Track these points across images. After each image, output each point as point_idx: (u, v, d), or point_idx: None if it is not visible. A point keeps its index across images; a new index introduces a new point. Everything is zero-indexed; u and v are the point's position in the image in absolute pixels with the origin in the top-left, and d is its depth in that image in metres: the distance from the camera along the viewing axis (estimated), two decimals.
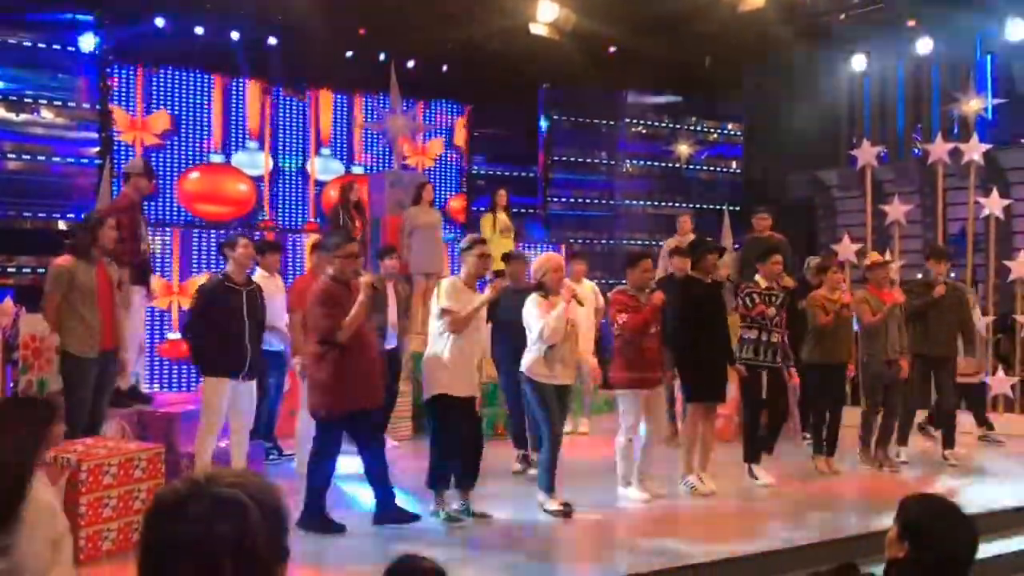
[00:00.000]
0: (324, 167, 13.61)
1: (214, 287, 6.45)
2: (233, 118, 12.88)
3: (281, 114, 13.29)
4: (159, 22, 12.07)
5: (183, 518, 1.45)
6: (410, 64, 13.42)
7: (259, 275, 8.02)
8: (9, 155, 11.55)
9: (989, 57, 14.66)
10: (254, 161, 12.94)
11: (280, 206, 13.15)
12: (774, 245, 8.33)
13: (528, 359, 6.35)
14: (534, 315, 6.27)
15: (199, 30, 12.36)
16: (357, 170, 13.82)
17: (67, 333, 6.19)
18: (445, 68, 14.18)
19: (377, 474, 5.94)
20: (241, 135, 13.02)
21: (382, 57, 13.28)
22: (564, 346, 6.29)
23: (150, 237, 7.87)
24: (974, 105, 11.29)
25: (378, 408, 6.13)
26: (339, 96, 13.79)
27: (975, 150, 10.33)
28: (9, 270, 11.10)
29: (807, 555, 5.59)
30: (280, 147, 13.31)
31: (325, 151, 13.73)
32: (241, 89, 12.91)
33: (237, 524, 1.44)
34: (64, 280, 6.17)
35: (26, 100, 11.55)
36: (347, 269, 5.95)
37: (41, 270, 11.19)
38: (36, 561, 2.96)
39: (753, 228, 9.78)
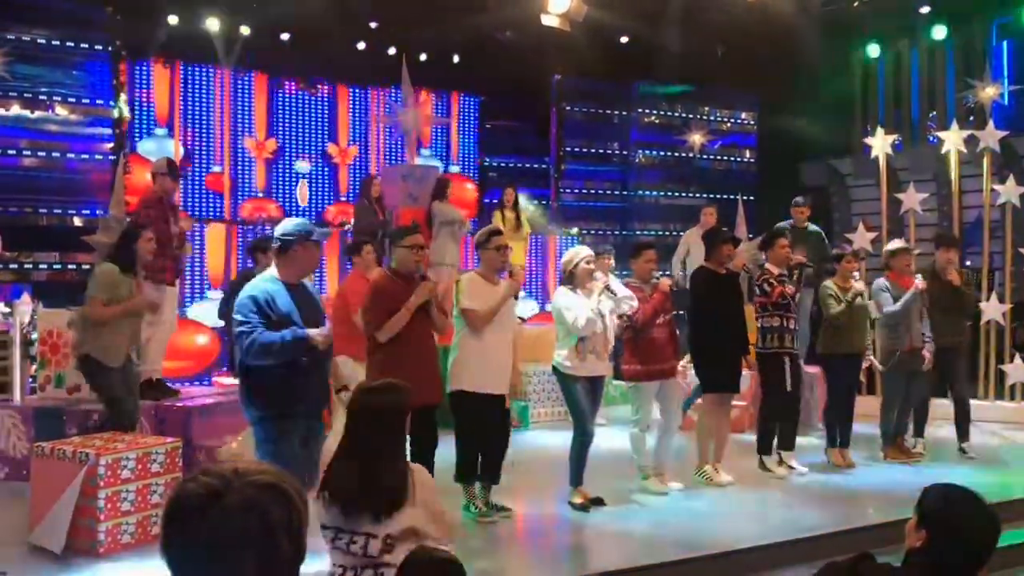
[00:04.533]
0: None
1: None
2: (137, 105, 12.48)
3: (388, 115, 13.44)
4: (172, 19, 12.11)
5: (227, 510, 1.48)
6: (422, 57, 13.42)
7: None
8: (25, 152, 11.62)
9: (1005, 43, 14.52)
10: (163, 148, 12.11)
11: (191, 196, 12.48)
12: (779, 230, 8.28)
13: (559, 352, 6.35)
14: (565, 308, 6.26)
15: (213, 25, 12.37)
16: (454, 169, 14.30)
17: (95, 340, 6.21)
18: (456, 60, 14.18)
19: None
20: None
21: (392, 51, 13.28)
22: (596, 337, 6.28)
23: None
24: (990, 92, 11.19)
25: (434, 404, 5.80)
26: (353, 90, 13.83)
27: (991, 137, 10.25)
28: (26, 266, 11.17)
29: (824, 544, 5.58)
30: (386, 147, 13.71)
31: (425, 151, 14.05)
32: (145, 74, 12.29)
33: (285, 506, 1.52)
34: (110, 285, 6.21)
35: (41, 97, 11.60)
36: (409, 260, 5.77)
37: (57, 266, 11.29)
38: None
39: (792, 218, 9.87)
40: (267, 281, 4.68)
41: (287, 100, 13.33)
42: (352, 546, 3.33)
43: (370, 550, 3.31)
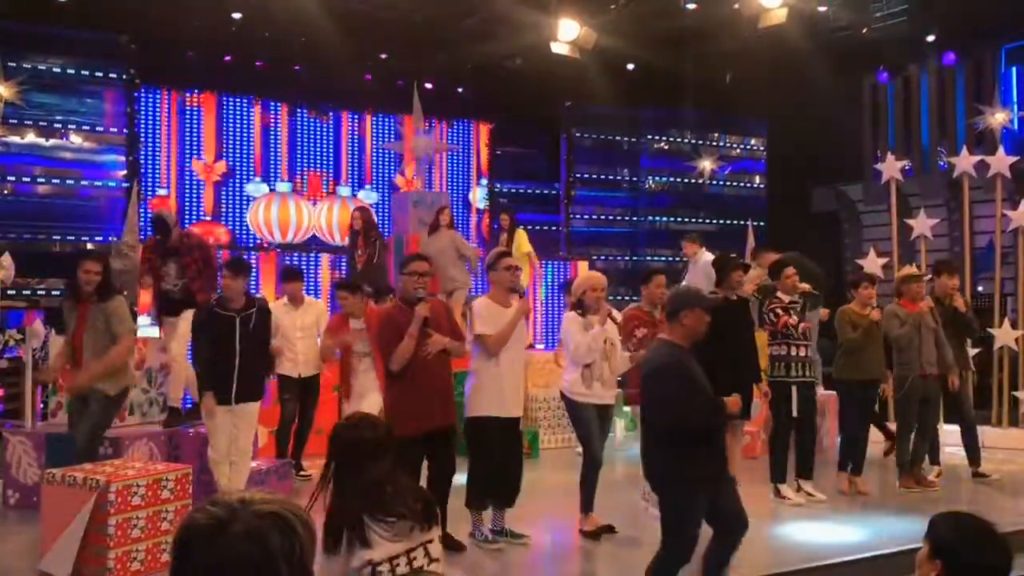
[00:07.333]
0: (484, 196, 14.57)
1: (205, 315, 6.46)
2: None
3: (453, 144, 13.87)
4: (188, 50, 12.25)
5: (231, 538, 1.49)
6: (430, 85, 13.53)
7: (283, 302, 8.09)
8: (39, 179, 11.73)
9: (1014, 69, 14.54)
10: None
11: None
12: (783, 261, 8.23)
13: (567, 378, 6.35)
14: (571, 333, 6.26)
15: (227, 56, 12.51)
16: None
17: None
18: (467, 88, 14.29)
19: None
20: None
21: (402, 79, 13.39)
22: (602, 365, 6.27)
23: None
24: (1000, 117, 11.19)
25: (449, 427, 5.81)
26: (358, 116, 13.92)
27: (1001, 163, 10.24)
28: (39, 293, 11.24)
29: (837, 574, 5.53)
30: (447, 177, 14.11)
31: (484, 181, 14.52)
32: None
33: (288, 536, 1.52)
34: (64, 311, 6.49)
35: (55, 125, 11.72)
36: (410, 288, 5.80)
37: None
38: None
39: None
40: (671, 347, 4.80)
41: (240, 123, 13.10)
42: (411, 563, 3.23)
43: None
